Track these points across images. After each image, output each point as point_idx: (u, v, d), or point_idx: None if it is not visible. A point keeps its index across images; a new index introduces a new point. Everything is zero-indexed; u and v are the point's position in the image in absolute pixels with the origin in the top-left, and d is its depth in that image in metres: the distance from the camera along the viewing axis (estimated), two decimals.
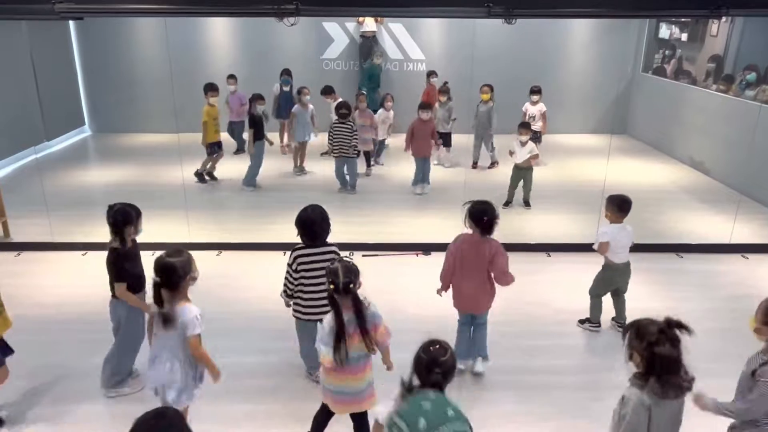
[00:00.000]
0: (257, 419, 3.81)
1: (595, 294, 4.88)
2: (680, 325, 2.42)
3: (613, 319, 4.99)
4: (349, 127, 8.04)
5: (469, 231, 4.05)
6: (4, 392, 3.81)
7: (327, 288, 3.12)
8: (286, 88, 9.67)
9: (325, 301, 3.73)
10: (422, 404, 1.40)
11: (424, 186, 8.24)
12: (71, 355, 4.47)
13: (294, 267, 3.86)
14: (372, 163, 9.30)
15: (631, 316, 5.10)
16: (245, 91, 9.83)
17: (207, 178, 8.64)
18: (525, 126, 7.57)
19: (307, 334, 4.01)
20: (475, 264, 4.02)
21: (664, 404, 2.46)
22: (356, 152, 8.21)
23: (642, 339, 2.42)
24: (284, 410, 3.89)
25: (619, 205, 4.69)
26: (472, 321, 4.24)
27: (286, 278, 3.93)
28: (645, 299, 5.43)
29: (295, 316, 4.00)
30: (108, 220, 3.86)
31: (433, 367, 2.37)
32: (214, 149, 8.52)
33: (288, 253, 3.93)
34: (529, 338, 4.78)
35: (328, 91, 9.42)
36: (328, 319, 3.13)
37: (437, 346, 2.48)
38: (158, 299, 3.14)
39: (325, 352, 3.10)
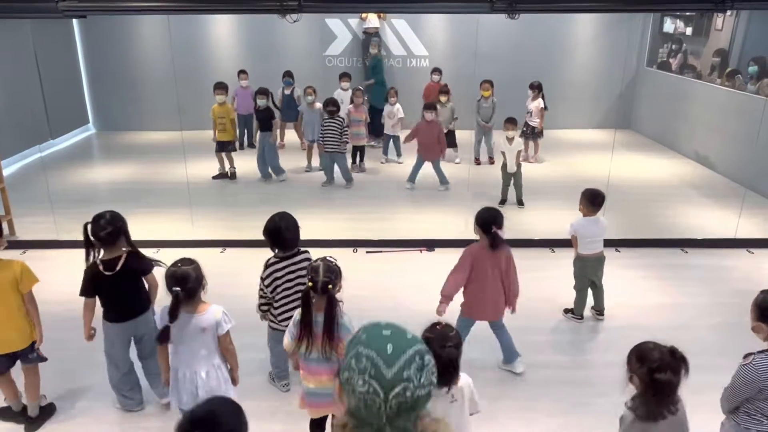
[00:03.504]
0: (260, 416, 3.82)
1: (577, 288, 4.93)
2: (682, 359, 2.42)
3: (592, 307, 5.04)
4: (338, 123, 8.08)
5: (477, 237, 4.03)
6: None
7: (305, 285, 3.04)
8: (288, 91, 9.64)
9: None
10: (383, 332, 1.39)
11: (443, 185, 8.19)
12: (79, 352, 4.49)
13: (267, 282, 3.80)
14: (389, 157, 9.53)
15: (636, 312, 5.13)
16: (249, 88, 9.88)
17: (228, 174, 8.71)
18: (510, 121, 7.51)
19: (279, 343, 3.99)
20: (497, 270, 4.02)
21: (655, 426, 2.47)
22: (345, 148, 8.24)
23: (643, 363, 2.44)
24: (289, 407, 3.90)
25: (591, 199, 4.72)
26: (491, 326, 4.25)
27: (259, 293, 3.88)
28: (650, 295, 5.43)
29: (269, 326, 3.99)
30: (101, 232, 3.46)
31: (446, 342, 2.54)
32: (217, 148, 8.54)
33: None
34: (534, 334, 4.77)
35: (343, 76, 9.60)
36: (298, 312, 3.10)
37: (442, 324, 2.66)
38: (175, 313, 3.08)
39: (287, 340, 3.12)
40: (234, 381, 3.35)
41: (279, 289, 3.83)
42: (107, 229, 3.48)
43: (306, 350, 3.04)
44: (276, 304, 3.88)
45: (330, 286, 2.96)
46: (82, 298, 3.64)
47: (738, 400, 2.75)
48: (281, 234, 3.78)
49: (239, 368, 3.40)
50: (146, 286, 3.77)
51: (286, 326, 3.66)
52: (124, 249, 3.62)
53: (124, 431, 3.77)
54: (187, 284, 3.05)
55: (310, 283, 2.98)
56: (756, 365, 2.66)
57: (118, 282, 3.57)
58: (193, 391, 3.17)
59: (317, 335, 3.01)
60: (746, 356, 2.76)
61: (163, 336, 3.14)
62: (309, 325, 3.00)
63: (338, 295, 3.06)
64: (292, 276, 3.82)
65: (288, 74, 9.71)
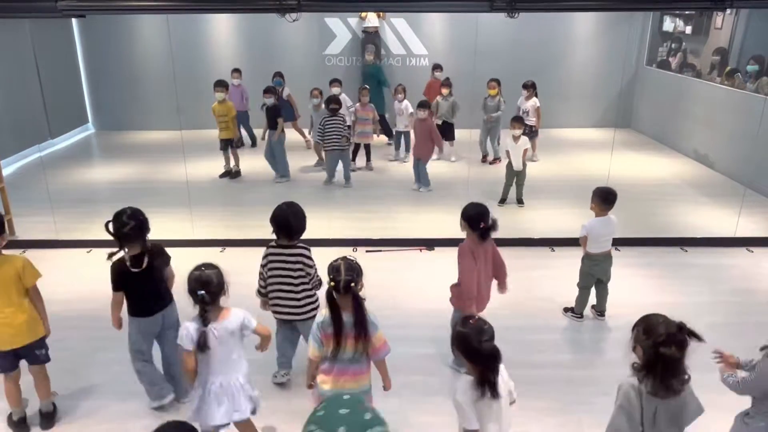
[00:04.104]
0: (260, 416, 3.81)
1: (582, 286, 4.92)
2: (692, 333, 2.40)
3: (593, 307, 5.03)
4: (340, 120, 8.06)
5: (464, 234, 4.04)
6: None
7: (327, 285, 3.01)
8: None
9: (290, 303, 3.81)
10: (339, 410, 1.34)
11: (424, 187, 8.12)
12: (80, 351, 4.50)
13: (264, 264, 3.88)
14: (395, 155, 9.58)
15: (636, 311, 5.08)
16: (248, 87, 9.87)
17: (232, 171, 8.68)
18: (517, 120, 7.52)
19: (281, 334, 4.05)
20: (488, 265, 4.06)
21: (657, 401, 2.45)
22: (347, 145, 8.24)
23: (649, 336, 2.41)
24: (288, 407, 3.91)
25: (603, 198, 4.68)
26: None
27: (259, 276, 3.97)
28: (649, 293, 5.43)
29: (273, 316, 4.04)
30: (125, 228, 3.43)
31: (482, 336, 2.51)
32: (221, 146, 8.52)
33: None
34: (534, 333, 4.78)
35: (333, 81, 9.48)
36: (323, 315, 3.05)
37: (475, 318, 2.62)
38: (206, 317, 3.03)
39: (314, 347, 3.05)
40: (264, 343, 3.38)
41: (269, 276, 3.89)
42: (130, 224, 3.46)
43: (342, 352, 3.01)
44: (271, 294, 3.93)
45: (353, 284, 2.95)
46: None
47: (761, 390, 2.73)
48: (288, 220, 3.80)
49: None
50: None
51: (280, 315, 3.83)
52: (148, 242, 3.61)
53: (127, 431, 3.77)
54: (210, 288, 3.02)
55: (332, 283, 2.95)
56: None
57: (146, 278, 3.57)
58: (229, 402, 3.12)
59: (347, 335, 2.99)
60: (764, 348, 2.74)
61: (202, 341, 3.02)
62: (340, 326, 2.97)
63: (360, 293, 3.05)
64: (284, 265, 3.83)
65: (278, 74, 9.68)
